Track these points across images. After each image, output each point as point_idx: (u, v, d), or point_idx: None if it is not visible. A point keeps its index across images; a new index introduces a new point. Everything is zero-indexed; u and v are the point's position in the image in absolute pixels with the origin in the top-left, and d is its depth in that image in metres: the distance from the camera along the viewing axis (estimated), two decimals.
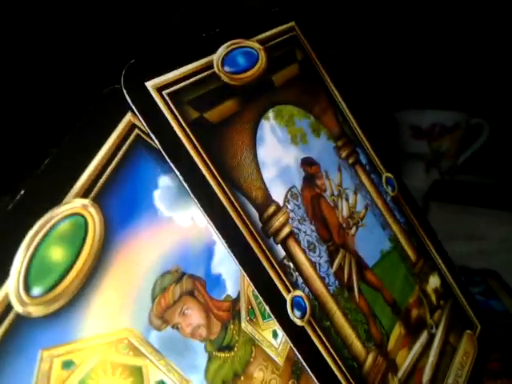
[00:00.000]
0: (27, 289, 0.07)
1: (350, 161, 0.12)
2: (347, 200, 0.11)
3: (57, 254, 0.07)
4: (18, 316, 0.07)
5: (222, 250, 0.09)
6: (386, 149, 0.14)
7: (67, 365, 0.07)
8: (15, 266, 0.07)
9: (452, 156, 0.49)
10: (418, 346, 0.13)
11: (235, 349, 0.08)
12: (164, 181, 0.08)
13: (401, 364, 0.12)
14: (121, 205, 0.07)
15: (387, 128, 0.46)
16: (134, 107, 0.08)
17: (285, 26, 0.11)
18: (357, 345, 0.11)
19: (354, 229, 0.11)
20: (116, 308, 0.07)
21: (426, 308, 0.13)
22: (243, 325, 0.09)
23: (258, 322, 0.09)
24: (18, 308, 0.07)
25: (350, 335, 0.10)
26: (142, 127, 0.08)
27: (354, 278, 0.11)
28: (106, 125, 0.08)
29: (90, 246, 0.07)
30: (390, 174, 0.13)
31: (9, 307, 0.07)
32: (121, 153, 0.08)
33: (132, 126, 0.08)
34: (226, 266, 0.09)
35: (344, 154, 0.12)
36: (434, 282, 0.13)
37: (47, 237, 0.07)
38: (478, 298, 0.27)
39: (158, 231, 0.08)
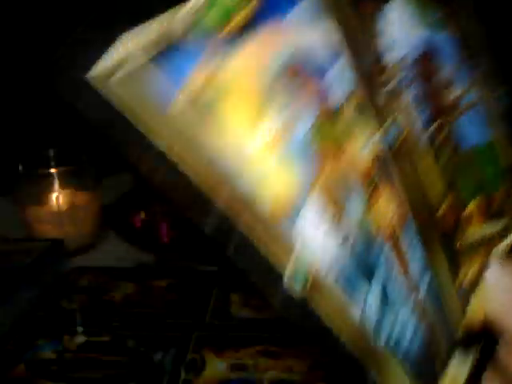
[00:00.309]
0: None
1: (469, 62, 0.13)
2: (457, 88, 0.12)
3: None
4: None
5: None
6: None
7: None
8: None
9: None
10: (491, 228, 0.13)
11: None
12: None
13: (470, 232, 0.12)
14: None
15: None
16: None
17: None
18: (435, 190, 0.11)
19: (458, 110, 0.12)
20: None
21: (510, 205, 0.13)
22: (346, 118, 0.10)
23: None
24: None
25: (431, 180, 0.11)
26: None
27: (450, 139, 0.12)
28: None
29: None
30: (504, 89, 0.14)
31: None
32: None
33: None
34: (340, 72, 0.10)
35: (465, 54, 0.13)
36: None
37: None
38: None
39: (284, 29, 0.09)
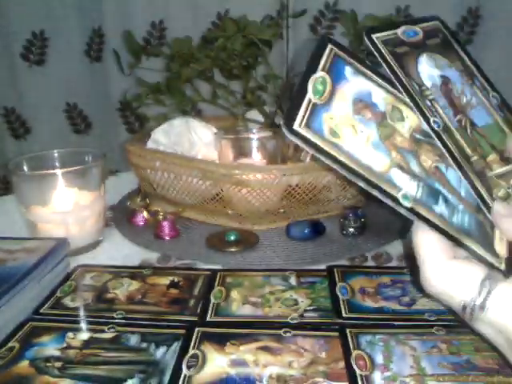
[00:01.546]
0: (314, 94, 0.20)
1: (469, 82, 0.24)
2: (466, 96, 0.23)
3: (320, 87, 0.20)
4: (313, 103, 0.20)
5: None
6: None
7: None
8: (309, 87, 0.20)
9: None
10: (506, 168, 0.23)
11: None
12: (347, 68, 0.22)
13: (495, 168, 0.22)
14: (336, 74, 0.21)
15: None
16: (371, 45, 0.22)
17: (432, 23, 0.25)
18: (467, 149, 0.22)
19: (469, 109, 0.23)
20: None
21: None
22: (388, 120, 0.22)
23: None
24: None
25: (464, 144, 0.22)
26: (336, 50, 0.21)
27: (468, 126, 0.22)
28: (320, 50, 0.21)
29: (329, 87, 0.20)
30: (495, 93, 0.24)
31: (309, 101, 0.20)
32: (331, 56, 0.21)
33: (331, 50, 0.21)
34: (378, 99, 0.22)
35: (466, 78, 0.24)
36: None
37: (316, 80, 0.20)
38: None
39: (349, 87, 0.21)
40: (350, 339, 0.24)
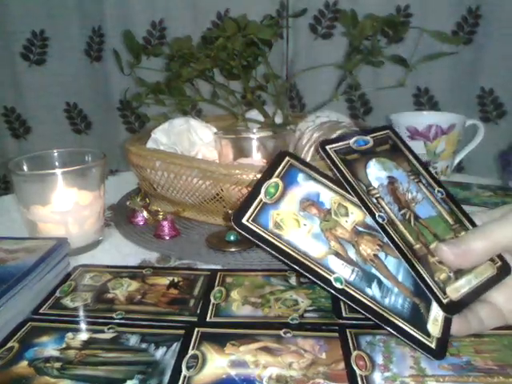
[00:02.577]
0: (265, 196, 0.24)
1: (416, 180, 0.27)
2: (411, 193, 0.26)
3: (272, 190, 0.25)
4: (264, 203, 0.24)
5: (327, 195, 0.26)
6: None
7: None
8: (262, 191, 0.25)
9: (448, 157, 0.50)
10: None
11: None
12: (300, 175, 0.26)
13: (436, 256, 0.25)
14: (289, 180, 0.25)
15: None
16: (325, 156, 0.26)
17: (383, 132, 0.29)
18: (410, 238, 0.25)
19: (413, 204, 0.26)
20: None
21: None
22: (332, 216, 0.26)
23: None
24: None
25: (407, 234, 0.25)
26: (292, 160, 0.26)
27: (412, 218, 0.26)
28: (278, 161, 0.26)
29: (281, 190, 0.25)
30: (440, 189, 0.28)
31: (260, 201, 0.24)
32: (287, 166, 0.26)
33: (288, 161, 0.26)
34: (325, 198, 0.26)
35: (412, 177, 0.27)
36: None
37: (269, 185, 0.25)
38: None
39: (299, 189, 0.25)
40: (350, 340, 0.24)
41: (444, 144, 0.48)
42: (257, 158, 0.41)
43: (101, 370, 0.23)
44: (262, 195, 0.24)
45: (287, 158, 0.25)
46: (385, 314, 0.23)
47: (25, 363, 0.23)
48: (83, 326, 0.27)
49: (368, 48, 0.41)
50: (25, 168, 0.38)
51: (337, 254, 0.23)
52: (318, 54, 0.72)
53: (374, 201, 0.25)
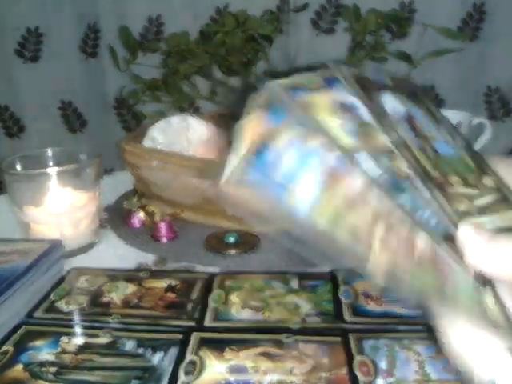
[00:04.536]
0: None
1: (435, 124, 0.22)
2: (430, 132, 0.21)
3: None
4: None
5: None
6: None
7: None
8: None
9: None
10: (471, 190, 0.19)
11: None
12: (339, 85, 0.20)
13: (457, 187, 0.19)
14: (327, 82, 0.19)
15: None
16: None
17: (401, 78, 0.23)
18: (429, 166, 0.19)
19: (433, 140, 0.20)
20: None
21: (480, 184, 0.20)
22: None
23: None
24: None
25: (425, 163, 0.19)
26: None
27: (430, 150, 0.20)
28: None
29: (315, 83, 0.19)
30: (461, 137, 0.22)
31: None
32: None
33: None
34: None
35: (432, 120, 0.22)
36: (487, 181, 0.20)
37: None
38: None
39: (334, 94, 0.19)
40: (352, 344, 0.24)
41: None
42: None
43: (97, 375, 0.22)
44: (296, 78, 0.18)
45: (327, 70, 0.20)
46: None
47: (20, 367, 0.23)
48: (78, 330, 0.26)
49: (371, 43, 0.40)
50: (18, 167, 0.37)
51: (367, 154, 0.18)
52: (320, 50, 0.71)
53: (389, 122, 0.20)
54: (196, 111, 0.79)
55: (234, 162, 0.17)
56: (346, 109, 0.19)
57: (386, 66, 0.46)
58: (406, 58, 0.42)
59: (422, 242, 0.16)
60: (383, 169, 0.18)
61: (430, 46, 0.46)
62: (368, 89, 0.20)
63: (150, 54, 0.51)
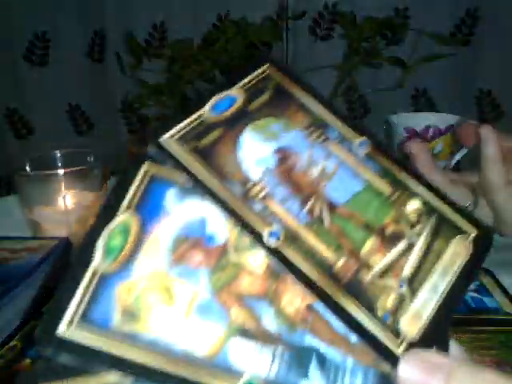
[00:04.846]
0: (104, 258, 0.13)
1: (320, 139, 0.16)
2: (317, 166, 0.15)
3: (116, 242, 0.13)
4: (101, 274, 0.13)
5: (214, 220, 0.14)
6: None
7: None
8: (97, 251, 0.13)
9: (445, 157, 0.50)
10: (395, 252, 0.15)
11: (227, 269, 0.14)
12: (170, 192, 0.14)
13: (375, 264, 0.14)
14: (147, 211, 0.14)
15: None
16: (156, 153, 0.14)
17: (260, 70, 0.16)
18: (328, 253, 0.14)
19: (323, 183, 0.15)
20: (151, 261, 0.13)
21: (404, 224, 0.15)
22: (230, 256, 0.14)
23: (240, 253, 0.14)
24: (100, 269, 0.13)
25: (322, 248, 0.14)
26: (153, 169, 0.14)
27: (325, 212, 0.14)
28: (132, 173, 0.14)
29: (133, 235, 0.13)
30: (362, 138, 0.16)
31: (95, 273, 0.13)
32: (145, 182, 0.14)
33: (147, 172, 0.14)
34: (217, 227, 0.14)
35: (314, 136, 0.16)
36: (413, 204, 0.15)
37: (111, 233, 0.13)
38: (472, 294, 0.28)
39: (170, 222, 0.14)
40: None
41: (442, 145, 0.49)
42: None
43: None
44: (95, 263, 0.12)
45: (145, 167, 0.13)
46: None
47: (28, 361, 0.23)
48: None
49: (367, 50, 0.41)
50: (27, 169, 0.39)
51: (243, 333, 0.12)
52: (317, 56, 0.72)
53: (259, 207, 0.14)
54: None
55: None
56: (190, 246, 0.13)
57: (382, 70, 0.47)
58: (400, 63, 0.43)
59: None
60: (271, 347, 0.12)
61: (424, 52, 0.47)
62: (213, 150, 0.14)
63: (154, 59, 0.52)
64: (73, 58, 0.80)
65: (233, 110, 0.15)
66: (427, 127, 0.48)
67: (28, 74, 0.81)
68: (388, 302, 0.14)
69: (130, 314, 0.12)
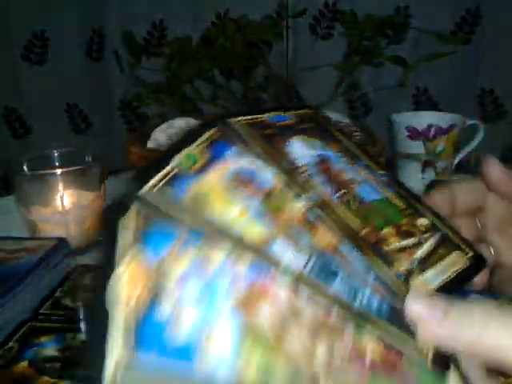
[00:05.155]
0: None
1: (351, 162, 0.20)
2: (348, 174, 0.19)
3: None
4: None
5: None
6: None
7: None
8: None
9: (447, 156, 0.50)
10: (408, 241, 0.17)
11: None
12: (232, 149, 0.17)
13: (392, 243, 0.17)
14: (215, 153, 0.17)
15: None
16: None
17: (305, 110, 0.22)
18: (355, 222, 0.17)
19: (353, 185, 0.19)
20: None
21: (415, 229, 0.18)
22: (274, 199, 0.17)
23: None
24: None
25: (349, 217, 0.17)
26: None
27: (353, 200, 0.18)
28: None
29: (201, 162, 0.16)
30: (383, 171, 0.20)
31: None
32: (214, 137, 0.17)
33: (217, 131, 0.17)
34: (265, 177, 0.17)
35: (345, 159, 0.20)
36: (422, 221, 0.18)
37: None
38: (474, 295, 0.28)
39: (227, 161, 0.17)
40: None
41: (444, 144, 0.48)
42: None
43: None
44: (172, 164, 0.15)
45: (215, 129, 0.17)
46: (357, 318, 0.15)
47: (25, 363, 0.23)
48: (83, 326, 0.27)
49: (367, 48, 0.41)
50: (25, 168, 0.38)
51: (284, 239, 0.15)
52: (317, 55, 0.72)
53: (301, 179, 0.17)
54: (198, 114, 0.80)
55: (113, 359, 0.11)
56: (244, 181, 0.16)
57: (383, 69, 0.47)
58: (401, 62, 0.42)
59: (370, 342, 0.14)
60: (307, 253, 0.15)
61: (425, 50, 0.47)
62: (271, 139, 0.18)
63: (153, 58, 0.52)
64: (71, 57, 0.80)
65: (285, 123, 0.19)
66: (429, 126, 0.48)
67: (26, 73, 0.81)
68: (402, 267, 0.16)
69: (197, 200, 0.15)
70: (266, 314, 0.13)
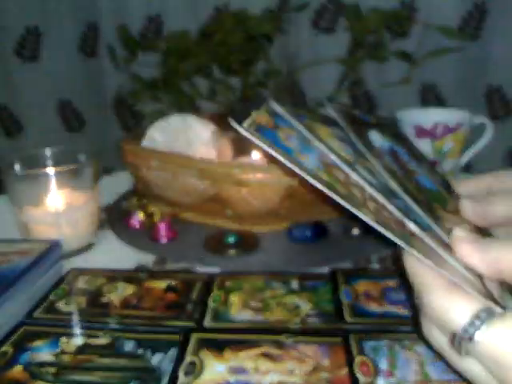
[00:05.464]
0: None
1: (417, 161, 0.27)
2: (412, 166, 0.25)
3: None
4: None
5: None
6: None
7: None
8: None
9: (455, 156, 0.49)
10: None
11: None
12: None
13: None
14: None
15: None
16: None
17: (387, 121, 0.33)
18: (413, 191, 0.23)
19: (415, 174, 0.24)
20: None
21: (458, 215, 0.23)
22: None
23: None
24: None
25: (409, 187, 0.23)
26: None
27: (413, 181, 0.24)
28: None
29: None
30: (440, 177, 0.27)
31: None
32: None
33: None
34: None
35: (413, 157, 0.26)
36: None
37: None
38: None
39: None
40: (353, 345, 0.24)
41: (451, 142, 0.47)
42: (257, 157, 0.40)
43: (96, 376, 0.22)
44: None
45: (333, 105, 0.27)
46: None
47: (20, 368, 0.23)
48: (78, 330, 0.26)
49: (372, 43, 0.40)
50: (17, 167, 0.37)
51: (364, 168, 0.21)
52: (319, 49, 0.70)
53: (375, 153, 0.23)
54: (196, 111, 0.79)
55: (251, 119, 0.19)
56: (341, 139, 0.22)
57: (388, 64, 0.46)
58: (406, 57, 0.42)
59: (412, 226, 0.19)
60: (378, 180, 0.20)
61: (431, 45, 0.46)
62: (357, 124, 0.24)
63: (149, 53, 0.51)
64: (65, 53, 0.78)
65: (370, 120, 0.27)
66: (436, 124, 0.47)
67: (18, 69, 0.79)
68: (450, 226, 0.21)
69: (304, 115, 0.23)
70: (337, 175, 0.20)
